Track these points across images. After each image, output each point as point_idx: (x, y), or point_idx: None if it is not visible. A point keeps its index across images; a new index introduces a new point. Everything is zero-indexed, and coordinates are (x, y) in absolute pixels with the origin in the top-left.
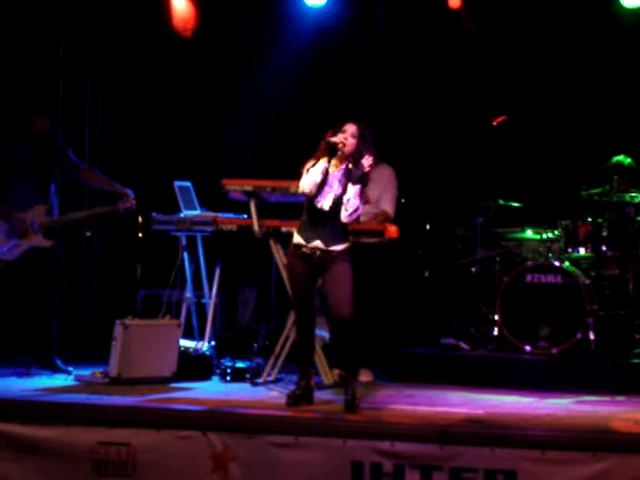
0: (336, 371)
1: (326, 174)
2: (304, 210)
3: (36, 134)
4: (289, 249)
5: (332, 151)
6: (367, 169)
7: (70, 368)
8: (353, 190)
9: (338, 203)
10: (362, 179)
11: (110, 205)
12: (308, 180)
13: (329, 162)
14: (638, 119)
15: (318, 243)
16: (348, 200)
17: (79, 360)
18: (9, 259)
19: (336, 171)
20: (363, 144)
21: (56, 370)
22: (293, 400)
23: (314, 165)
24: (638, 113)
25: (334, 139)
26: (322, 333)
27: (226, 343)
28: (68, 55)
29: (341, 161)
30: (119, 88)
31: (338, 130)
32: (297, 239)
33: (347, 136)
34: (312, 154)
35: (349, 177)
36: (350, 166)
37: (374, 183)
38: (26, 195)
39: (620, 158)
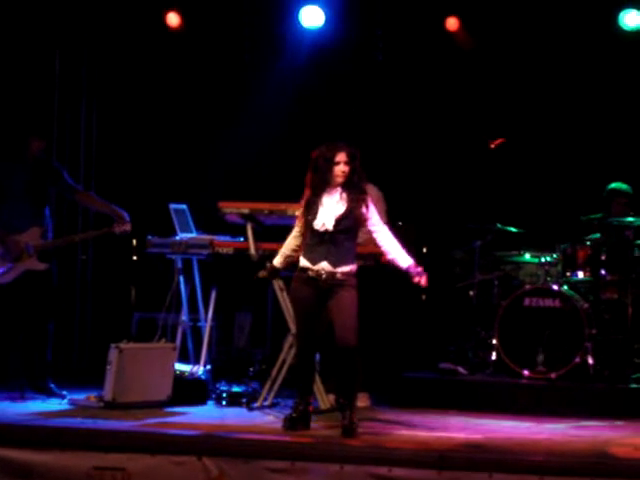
0: (331, 396)
1: (320, 196)
2: (307, 234)
3: (31, 155)
4: (294, 273)
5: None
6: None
7: (64, 392)
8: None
9: (341, 222)
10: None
11: (105, 228)
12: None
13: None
14: (636, 144)
15: (325, 264)
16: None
17: (73, 384)
18: (3, 282)
19: (333, 194)
20: (357, 165)
21: (50, 394)
22: (290, 424)
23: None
24: (636, 138)
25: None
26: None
27: (222, 367)
28: (63, 76)
29: (336, 187)
30: (114, 109)
31: (330, 161)
32: (303, 262)
33: (342, 168)
34: (305, 176)
35: (352, 191)
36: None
37: None
38: (21, 217)
39: (617, 184)
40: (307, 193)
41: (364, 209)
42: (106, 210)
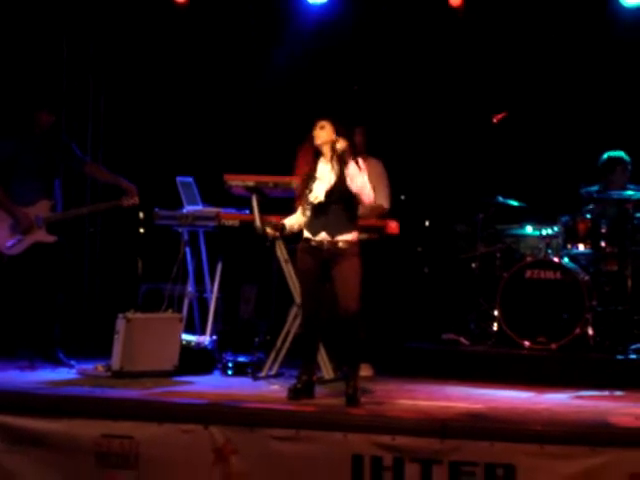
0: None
1: (314, 169)
2: (308, 206)
3: (41, 130)
4: (299, 243)
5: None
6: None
7: (73, 362)
8: (354, 169)
9: (334, 192)
10: (347, 155)
11: (113, 200)
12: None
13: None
14: (634, 115)
15: (324, 235)
16: (363, 185)
17: (82, 354)
18: (13, 254)
19: (326, 165)
20: (335, 128)
21: (59, 363)
22: (294, 394)
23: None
24: (634, 110)
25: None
26: None
27: (228, 337)
28: (71, 50)
29: (328, 159)
30: (122, 83)
31: (314, 126)
32: (305, 233)
33: (318, 131)
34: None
35: (342, 161)
36: (338, 147)
37: None
38: (30, 190)
39: (615, 153)
40: (303, 171)
41: (349, 183)
42: (115, 182)
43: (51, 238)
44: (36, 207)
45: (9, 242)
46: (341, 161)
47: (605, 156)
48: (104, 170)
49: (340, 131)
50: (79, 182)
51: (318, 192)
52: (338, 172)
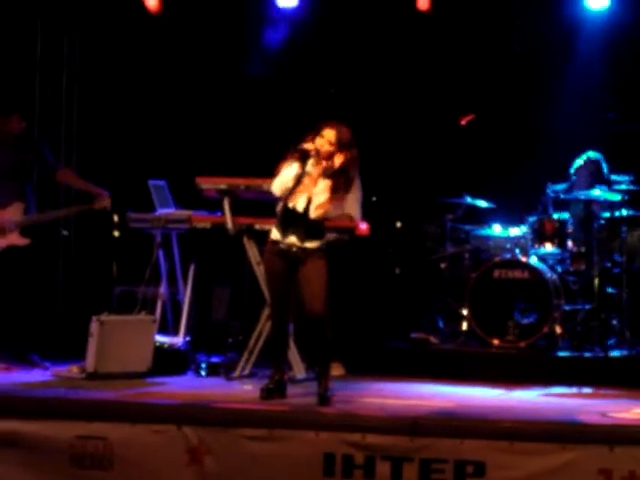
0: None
1: (300, 176)
2: (280, 207)
3: (13, 134)
4: (266, 245)
5: (305, 157)
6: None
7: (47, 364)
8: (322, 185)
9: (315, 210)
10: (336, 175)
11: (86, 204)
12: (279, 183)
13: (302, 167)
14: (601, 117)
15: (293, 239)
16: (315, 195)
17: (56, 356)
18: None
19: (313, 172)
20: (340, 149)
21: (33, 366)
22: (267, 394)
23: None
24: (599, 111)
25: (307, 146)
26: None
27: (201, 338)
28: (44, 54)
29: (318, 163)
30: (95, 87)
31: (318, 134)
32: (274, 235)
33: (324, 143)
34: (286, 154)
35: (336, 184)
36: (327, 164)
37: None
38: (2, 194)
39: (586, 154)
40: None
41: (345, 205)
42: (86, 188)
43: (24, 241)
44: (8, 210)
45: None
46: (336, 176)
47: (578, 158)
48: (76, 177)
49: (348, 143)
50: (52, 185)
51: (299, 202)
52: (324, 186)
